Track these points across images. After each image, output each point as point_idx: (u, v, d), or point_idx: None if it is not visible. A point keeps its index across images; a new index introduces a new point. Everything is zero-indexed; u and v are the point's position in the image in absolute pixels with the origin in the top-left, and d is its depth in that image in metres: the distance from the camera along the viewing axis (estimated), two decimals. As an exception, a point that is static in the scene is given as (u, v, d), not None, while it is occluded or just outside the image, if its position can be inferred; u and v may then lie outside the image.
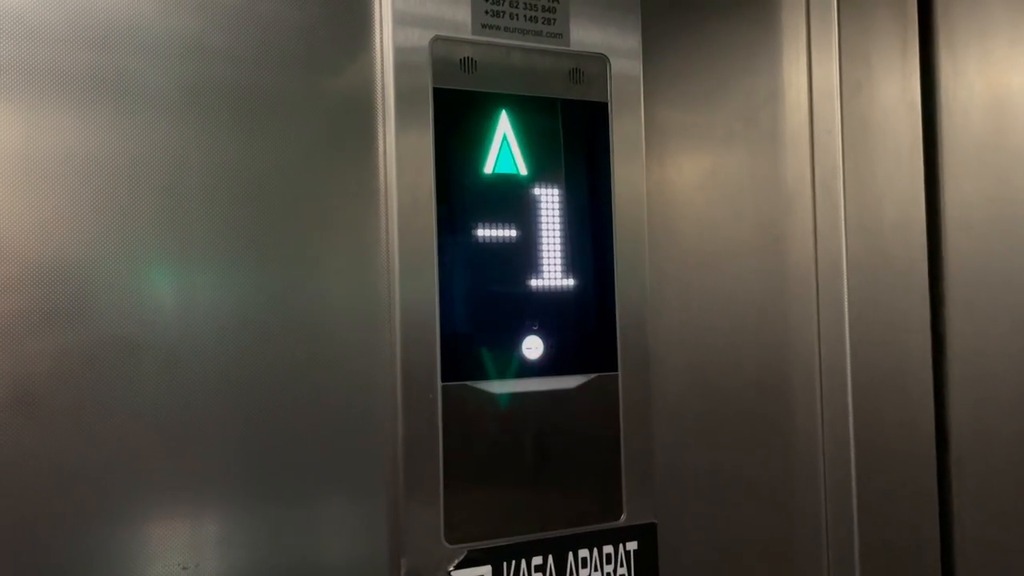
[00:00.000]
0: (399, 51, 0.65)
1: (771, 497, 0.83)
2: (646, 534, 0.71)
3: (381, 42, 0.66)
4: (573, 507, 0.69)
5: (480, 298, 0.67)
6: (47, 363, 0.56)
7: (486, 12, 0.68)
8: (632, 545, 0.71)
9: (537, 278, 0.69)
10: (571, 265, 0.70)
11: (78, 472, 0.57)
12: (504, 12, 0.68)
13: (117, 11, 0.59)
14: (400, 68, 0.65)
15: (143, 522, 0.59)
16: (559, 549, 0.68)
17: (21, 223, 0.56)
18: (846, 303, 0.84)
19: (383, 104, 0.66)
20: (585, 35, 0.72)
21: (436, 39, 0.66)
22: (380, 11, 0.66)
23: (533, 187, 0.69)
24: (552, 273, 0.69)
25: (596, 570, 0.69)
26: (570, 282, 0.70)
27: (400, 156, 0.65)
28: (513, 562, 0.66)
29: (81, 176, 0.58)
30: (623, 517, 0.71)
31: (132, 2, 0.60)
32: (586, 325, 0.71)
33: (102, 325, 0.58)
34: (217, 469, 0.61)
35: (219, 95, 0.62)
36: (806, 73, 0.85)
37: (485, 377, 0.67)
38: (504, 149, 0.68)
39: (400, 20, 0.65)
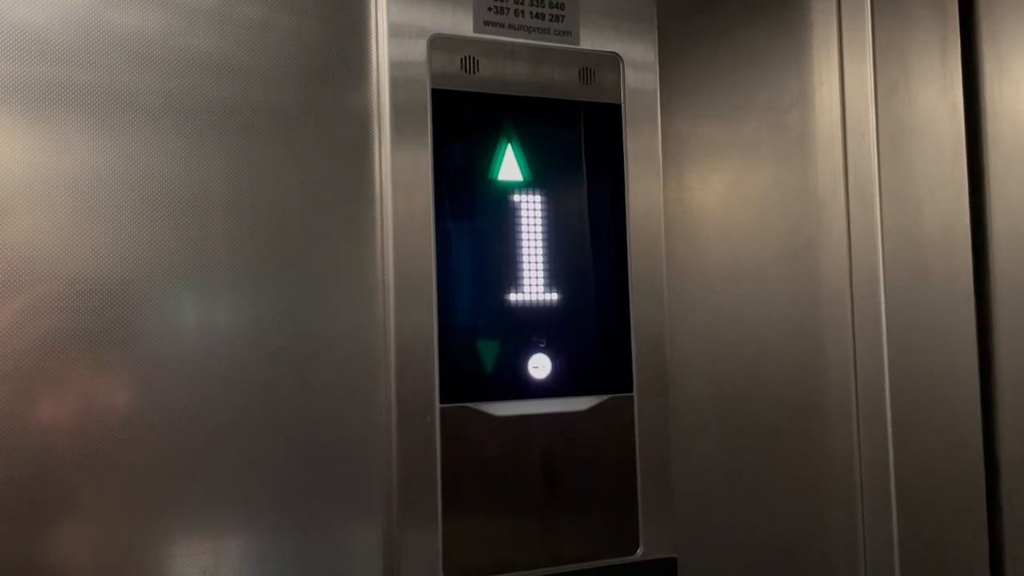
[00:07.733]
0: (395, 49, 0.61)
1: (805, 529, 0.77)
2: (665, 570, 0.66)
3: (377, 41, 0.62)
4: (584, 540, 0.64)
5: (482, 314, 0.63)
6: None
7: (489, 8, 0.64)
8: (650, 581, 0.66)
9: (544, 293, 0.64)
10: (581, 279, 0.65)
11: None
12: (508, 9, 0.64)
13: (127, 29, 0.58)
14: (396, 68, 0.61)
15: (129, 541, 0.56)
16: (569, 585, 0.63)
17: (35, 243, 0.55)
18: (883, 319, 0.78)
19: (379, 109, 0.62)
20: (596, 33, 0.67)
21: (435, 37, 0.62)
22: (376, 10, 0.62)
23: (540, 196, 0.65)
24: (560, 287, 0.65)
25: (610, 608, 0.64)
26: (580, 297, 0.65)
27: (396, 164, 0.61)
28: (517, 599, 0.62)
29: (74, 193, 0.56)
30: (639, 551, 0.66)
31: (139, 21, 0.58)
32: (598, 343, 0.66)
33: (103, 344, 0.56)
34: (204, 493, 0.58)
35: (213, 111, 0.59)
36: (838, 73, 0.80)
37: (488, 398, 0.62)
38: (509, 155, 0.64)
39: (396, 20, 0.61)
